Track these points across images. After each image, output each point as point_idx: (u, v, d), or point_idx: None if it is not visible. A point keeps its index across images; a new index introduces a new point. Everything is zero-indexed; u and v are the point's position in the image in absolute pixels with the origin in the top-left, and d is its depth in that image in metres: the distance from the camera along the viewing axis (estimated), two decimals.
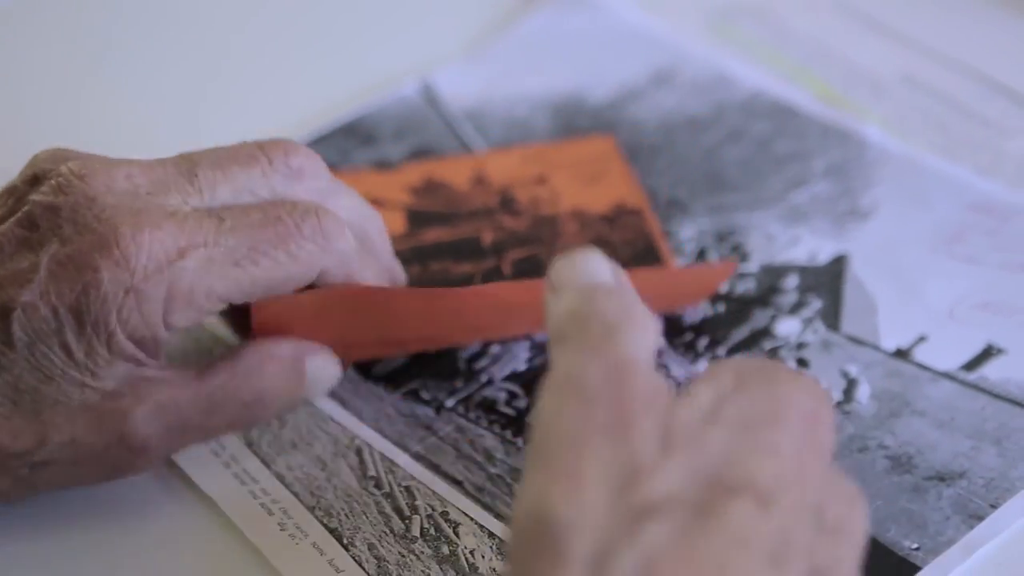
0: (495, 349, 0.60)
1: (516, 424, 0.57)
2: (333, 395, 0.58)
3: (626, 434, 0.41)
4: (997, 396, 0.57)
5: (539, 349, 0.60)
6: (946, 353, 0.58)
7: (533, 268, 0.62)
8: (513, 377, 0.59)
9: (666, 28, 0.74)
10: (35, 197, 0.51)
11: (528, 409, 0.57)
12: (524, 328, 0.59)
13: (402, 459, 0.56)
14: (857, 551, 0.43)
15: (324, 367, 0.55)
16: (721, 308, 0.61)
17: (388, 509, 0.54)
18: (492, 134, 0.69)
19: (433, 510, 0.54)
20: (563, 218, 0.64)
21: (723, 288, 0.61)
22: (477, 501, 0.54)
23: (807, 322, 0.60)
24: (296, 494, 0.55)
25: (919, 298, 0.60)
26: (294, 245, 0.52)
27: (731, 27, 0.74)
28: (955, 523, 0.53)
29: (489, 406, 0.58)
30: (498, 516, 0.54)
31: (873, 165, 0.66)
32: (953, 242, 0.63)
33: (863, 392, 0.57)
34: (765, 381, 0.43)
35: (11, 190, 0.53)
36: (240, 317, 0.55)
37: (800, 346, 0.59)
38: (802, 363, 0.58)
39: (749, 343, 0.59)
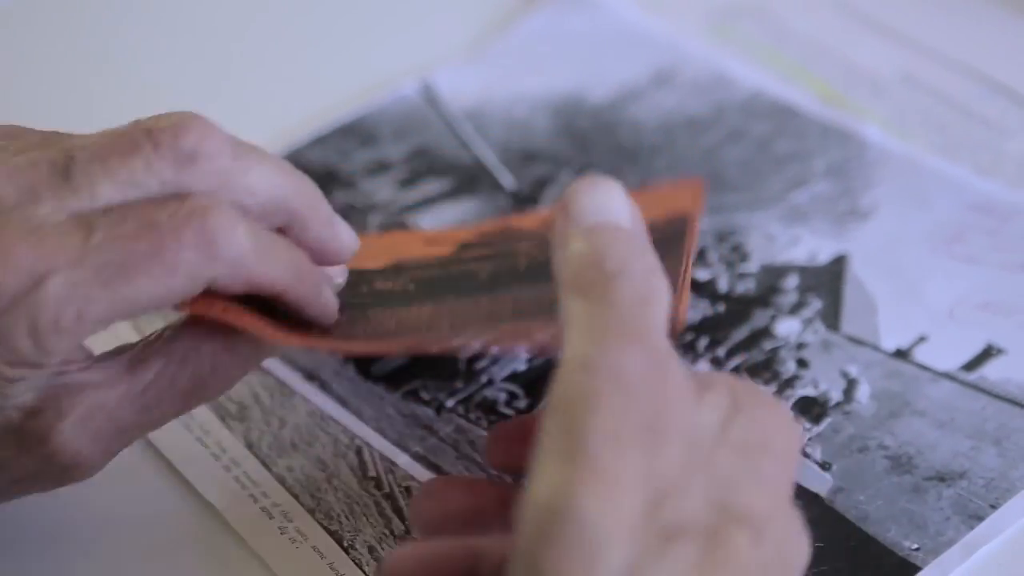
0: (495, 349, 0.60)
1: None
2: (333, 395, 0.58)
3: (662, 443, 0.39)
4: (997, 396, 0.57)
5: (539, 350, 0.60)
6: (946, 353, 0.58)
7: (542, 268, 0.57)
8: (513, 377, 0.59)
9: (666, 28, 0.74)
10: None
11: (528, 410, 0.58)
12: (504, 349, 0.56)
13: (402, 459, 0.56)
14: None
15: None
16: (721, 308, 0.61)
17: (389, 511, 0.54)
18: (492, 134, 0.69)
19: None
20: None
21: (723, 288, 0.61)
22: None
23: (807, 322, 0.60)
24: (296, 496, 0.55)
25: (919, 298, 0.60)
26: (171, 256, 0.46)
27: (731, 27, 0.74)
28: (955, 523, 0.53)
29: (489, 406, 0.58)
30: None
31: (873, 165, 0.66)
32: (953, 242, 0.63)
33: (863, 392, 0.57)
34: (757, 405, 0.43)
35: None
36: None
37: (800, 346, 0.59)
38: (802, 363, 0.58)
39: (749, 343, 0.59)
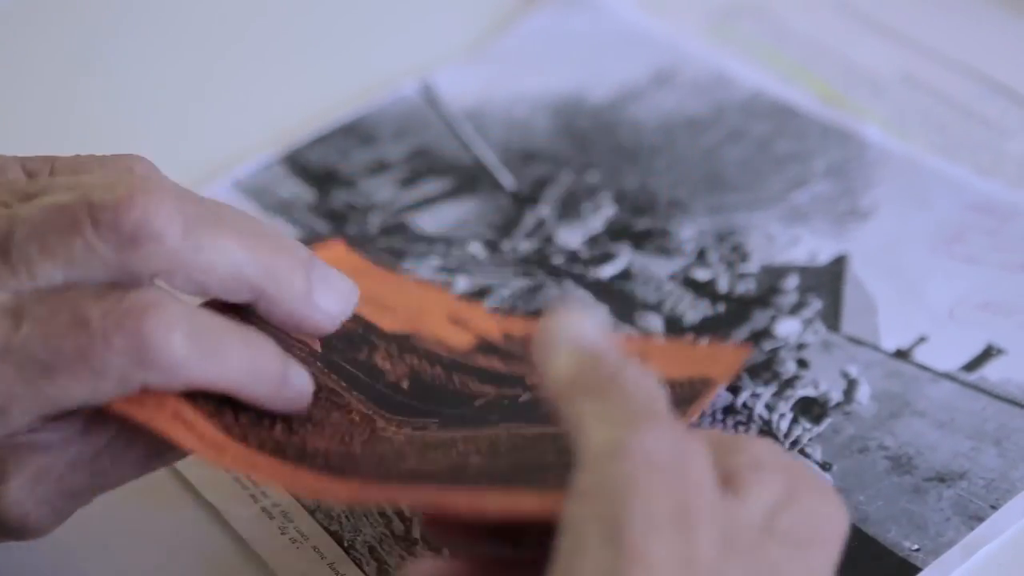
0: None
1: None
2: None
3: (692, 529, 0.39)
4: (997, 397, 0.57)
5: None
6: (946, 353, 0.58)
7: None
8: None
9: (666, 28, 0.74)
10: None
11: None
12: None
13: None
14: None
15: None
16: (721, 308, 0.61)
17: (389, 511, 0.54)
18: (492, 134, 0.69)
19: None
20: None
21: (723, 288, 0.61)
22: None
23: (807, 322, 0.60)
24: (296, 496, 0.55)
25: (919, 298, 0.60)
26: (98, 360, 0.43)
27: (731, 27, 0.74)
28: (955, 524, 0.53)
29: None
30: None
31: (873, 165, 0.66)
32: (953, 242, 0.63)
33: (863, 393, 0.57)
34: (810, 492, 0.43)
35: None
36: None
37: (800, 347, 0.59)
38: (802, 364, 0.58)
39: (749, 343, 0.59)
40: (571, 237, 0.64)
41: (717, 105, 0.70)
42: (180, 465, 0.56)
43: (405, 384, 0.52)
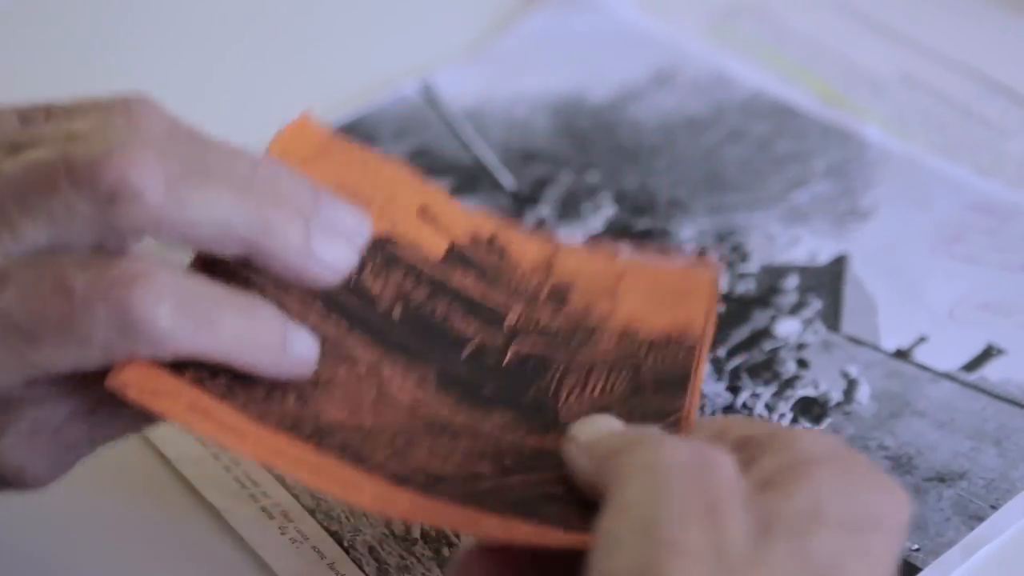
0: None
1: None
2: None
3: (719, 521, 0.40)
4: (997, 397, 0.57)
5: None
6: (946, 353, 0.58)
7: (534, 369, 0.53)
8: None
9: (666, 28, 0.74)
10: None
11: None
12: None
13: None
14: None
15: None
16: (721, 308, 0.61)
17: None
18: (492, 134, 0.69)
19: None
20: (605, 335, 0.55)
21: (723, 288, 0.61)
22: None
23: (807, 322, 0.60)
24: (296, 496, 0.55)
25: (919, 298, 0.60)
26: (81, 330, 0.42)
27: (731, 27, 0.74)
28: (955, 524, 0.53)
29: None
30: None
31: (873, 165, 0.66)
32: (953, 242, 0.63)
33: (863, 393, 0.57)
34: (868, 479, 0.43)
35: None
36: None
37: (800, 346, 0.59)
38: (802, 364, 0.58)
39: (749, 343, 0.59)
40: (571, 237, 0.64)
41: (717, 105, 0.70)
42: (180, 465, 0.56)
43: (397, 313, 0.52)
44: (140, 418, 0.46)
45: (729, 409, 0.57)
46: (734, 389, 0.57)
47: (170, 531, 0.54)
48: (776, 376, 0.58)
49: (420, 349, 0.51)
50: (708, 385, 0.58)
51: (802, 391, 0.57)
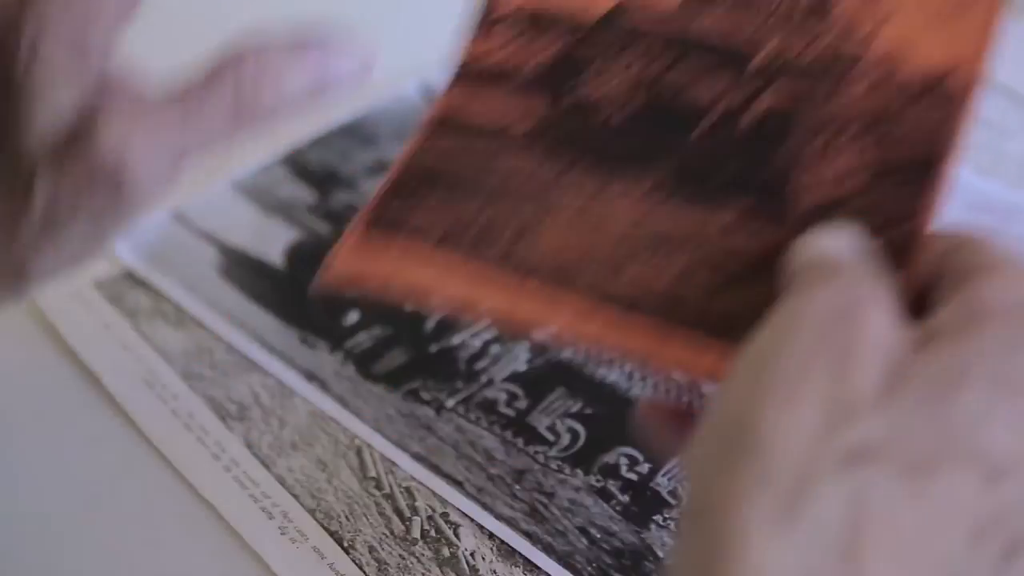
0: (495, 349, 0.60)
1: (516, 424, 0.57)
2: (333, 395, 0.58)
3: (847, 370, 0.39)
4: None
5: (539, 350, 0.60)
6: None
7: (773, 135, 0.48)
8: (513, 378, 0.59)
9: None
10: None
11: (528, 410, 0.58)
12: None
13: (402, 459, 0.56)
14: None
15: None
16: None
17: (388, 511, 0.54)
18: None
19: (433, 511, 0.54)
20: (864, 65, 0.48)
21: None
22: (477, 502, 0.54)
23: None
24: (296, 497, 0.55)
25: None
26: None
27: None
28: None
29: (489, 407, 0.58)
30: (498, 517, 0.54)
31: None
32: None
33: None
34: None
35: None
36: None
37: None
38: None
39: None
40: None
41: None
42: (180, 465, 0.56)
43: (618, 119, 0.49)
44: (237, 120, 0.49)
45: None
46: None
47: (170, 531, 0.54)
48: None
49: (645, 152, 0.49)
50: (708, 385, 0.58)
51: None
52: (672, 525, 0.53)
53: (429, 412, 0.58)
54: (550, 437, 0.57)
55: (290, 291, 0.63)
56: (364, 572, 0.52)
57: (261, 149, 0.69)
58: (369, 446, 0.57)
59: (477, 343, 0.60)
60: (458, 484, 0.55)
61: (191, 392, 0.59)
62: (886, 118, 0.47)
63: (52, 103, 0.46)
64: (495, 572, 0.52)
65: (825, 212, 0.45)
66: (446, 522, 0.54)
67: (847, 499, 0.37)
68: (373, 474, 0.56)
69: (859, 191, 0.46)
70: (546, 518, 0.54)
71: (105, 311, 0.62)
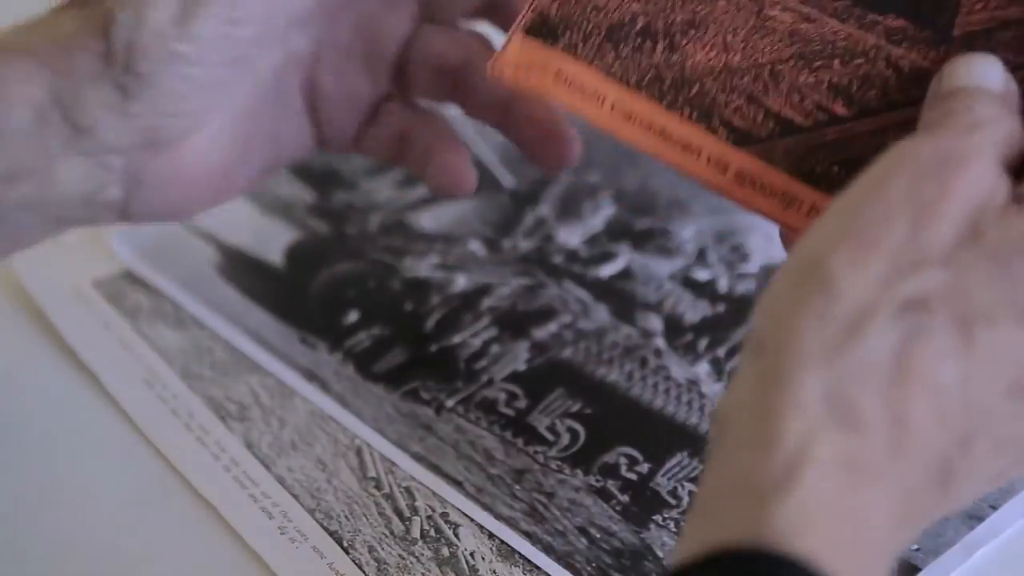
0: (495, 349, 0.60)
1: (516, 424, 0.57)
2: (333, 395, 0.58)
3: (928, 222, 0.40)
4: None
5: (539, 350, 0.60)
6: None
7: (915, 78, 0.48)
8: (513, 377, 0.59)
9: None
10: None
11: (528, 410, 0.58)
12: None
13: (402, 459, 0.56)
14: None
15: None
16: (721, 308, 0.61)
17: (388, 511, 0.54)
18: (492, 133, 0.69)
19: (433, 511, 0.54)
20: None
21: (723, 288, 0.61)
22: (477, 502, 0.54)
23: None
24: (296, 496, 0.55)
25: None
26: None
27: None
28: (955, 524, 0.52)
29: (489, 407, 0.58)
30: (498, 517, 0.54)
31: None
32: None
33: None
34: None
35: None
36: None
37: None
38: None
39: None
40: (571, 236, 0.64)
41: None
42: (180, 465, 0.56)
43: None
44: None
45: None
46: None
47: (170, 531, 0.54)
48: None
49: None
50: (708, 385, 0.58)
51: None
52: (672, 525, 0.53)
53: (429, 412, 0.58)
54: (550, 437, 0.57)
55: (290, 291, 0.63)
56: (364, 572, 0.52)
57: None
58: (369, 446, 0.57)
59: (477, 343, 0.60)
60: (458, 484, 0.55)
61: (191, 392, 0.59)
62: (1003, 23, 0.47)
63: None
64: (495, 572, 0.52)
65: (985, 36, 0.46)
66: (446, 522, 0.54)
67: (897, 340, 0.39)
68: (373, 474, 0.56)
69: (1017, 20, 0.46)
70: (546, 518, 0.54)
71: (104, 311, 0.62)
